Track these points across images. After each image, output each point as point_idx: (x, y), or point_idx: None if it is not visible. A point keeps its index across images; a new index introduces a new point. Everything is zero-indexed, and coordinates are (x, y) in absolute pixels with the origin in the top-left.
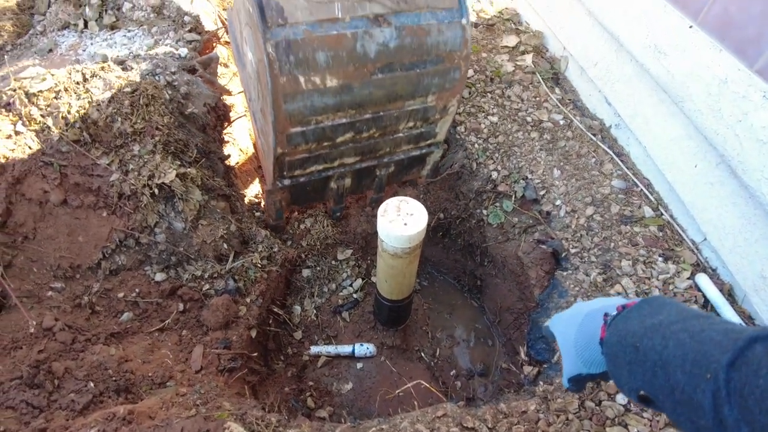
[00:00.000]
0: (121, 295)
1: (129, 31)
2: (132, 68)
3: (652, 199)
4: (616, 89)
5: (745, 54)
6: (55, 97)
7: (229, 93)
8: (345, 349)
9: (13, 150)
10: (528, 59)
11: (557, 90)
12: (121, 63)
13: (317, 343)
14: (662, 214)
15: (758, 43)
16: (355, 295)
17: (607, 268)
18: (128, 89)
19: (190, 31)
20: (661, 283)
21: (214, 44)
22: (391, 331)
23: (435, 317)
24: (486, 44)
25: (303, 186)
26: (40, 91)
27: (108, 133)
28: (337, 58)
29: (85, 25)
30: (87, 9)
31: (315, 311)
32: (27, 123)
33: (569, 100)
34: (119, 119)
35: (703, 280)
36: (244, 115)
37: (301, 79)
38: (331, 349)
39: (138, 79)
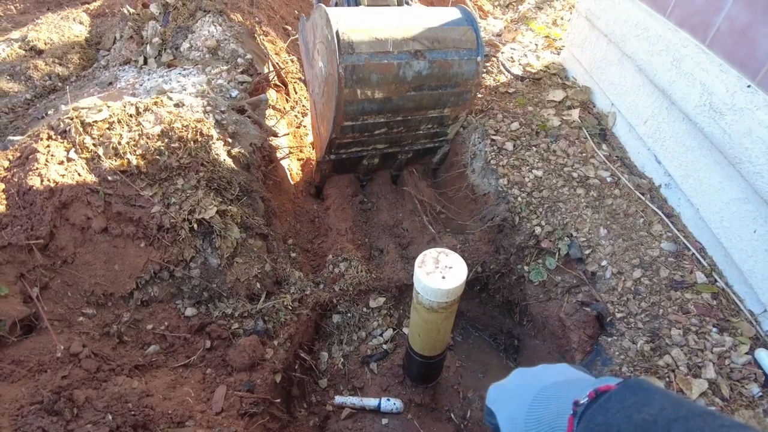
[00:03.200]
0: (150, 326)
1: (184, 69)
2: (184, 105)
3: (705, 265)
4: (666, 148)
5: None
6: (108, 128)
7: (275, 135)
8: (371, 402)
9: (63, 176)
10: (575, 114)
11: (604, 146)
12: (173, 98)
13: (342, 394)
14: (716, 280)
15: None
16: (384, 346)
17: (655, 336)
18: (178, 124)
19: (242, 72)
20: (716, 357)
21: (266, 86)
22: (420, 388)
23: (468, 376)
24: (532, 98)
25: (343, 161)
26: (95, 122)
27: (154, 165)
28: (384, 79)
29: (145, 62)
30: (148, 47)
31: (342, 359)
32: (80, 151)
33: (617, 156)
34: (166, 153)
35: (763, 355)
36: (288, 156)
37: (358, 91)
38: (357, 401)
39: (188, 116)
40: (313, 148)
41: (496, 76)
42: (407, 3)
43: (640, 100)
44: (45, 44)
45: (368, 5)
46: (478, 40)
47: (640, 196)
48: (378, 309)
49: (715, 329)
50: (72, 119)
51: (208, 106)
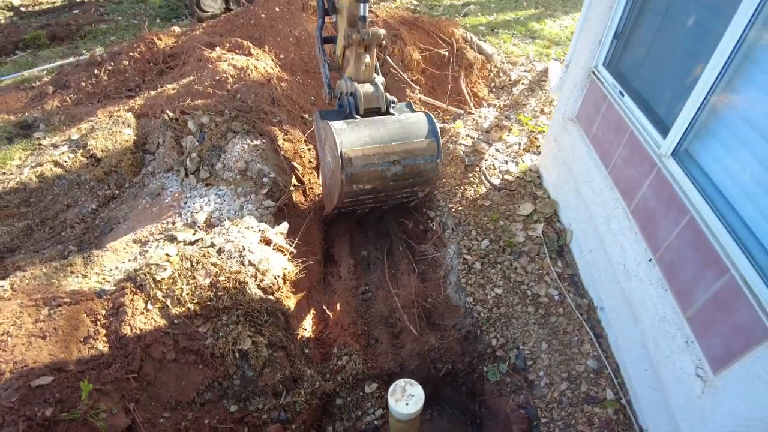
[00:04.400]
0: (206, 421)
1: (220, 189)
2: (224, 250)
3: (616, 384)
4: (601, 279)
5: (681, 299)
6: (173, 283)
7: (293, 262)
8: None
9: (145, 323)
10: (539, 229)
11: (559, 262)
12: (216, 244)
13: None
14: (621, 398)
15: (691, 294)
16: (376, 422)
17: None
18: (222, 277)
19: (266, 193)
20: None
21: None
22: None
23: None
24: (504, 210)
25: (343, 213)
26: (163, 279)
27: (206, 308)
28: (372, 179)
29: (186, 175)
30: (188, 161)
31: None
32: (153, 302)
33: (568, 274)
34: (214, 299)
35: None
36: (301, 278)
37: (354, 186)
38: None
39: (229, 266)
40: (321, 197)
41: (477, 187)
42: (393, 103)
43: (588, 233)
44: (102, 152)
45: (364, 108)
46: (438, 148)
47: (579, 316)
48: (372, 393)
49: None
50: (146, 275)
51: (243, 251)
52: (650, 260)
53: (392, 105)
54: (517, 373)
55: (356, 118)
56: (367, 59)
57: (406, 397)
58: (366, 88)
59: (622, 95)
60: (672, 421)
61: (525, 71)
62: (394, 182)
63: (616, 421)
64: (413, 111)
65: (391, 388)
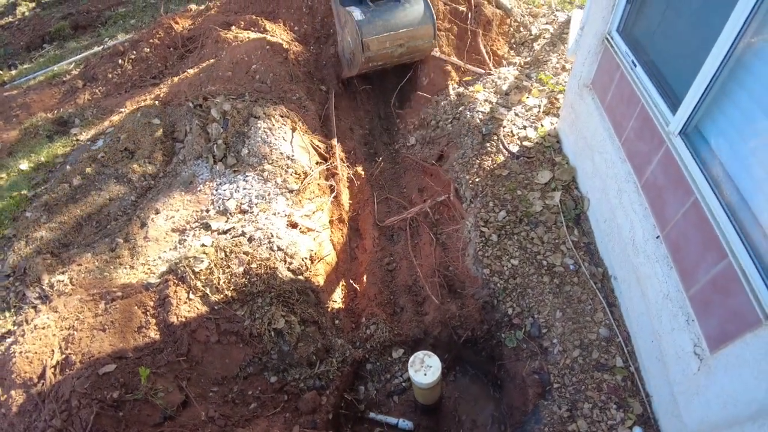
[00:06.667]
0: (250, 392)
1: (246, 175)
2: (254, 239)
3: (626, 351)
4: (615, 250)
5: (684, 278)
6: (210, 273)
7: (318, 238)
8: (392, 420)
9: (189, 311)
10: (557, 197)
11: (576, 231)
12: (246, 233)
13: (374, 413)
14: (630, 366)
15: (694, 274)
16: (403, 384)
17: (573, 407)
18: (254, 265)
19: (291, 175)
20: (607, 428)
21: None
22: (426, 414)
23: (463, 404)
24: (522, 179)
25: (359, 75)
26: (201, 270)
27: (242, 293)
28: (383, 57)
29: (215, 162)
30: (215, 148)
31: (374, 392)
32: (194, 292)
33: (584, 243)
34: (249, 285)
35: (637, 431)
36: (329, 255)
37: (370, 64)
38: (383, 418)
39: (259, 253)
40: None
41: (495, 156)
42: None
43: (602, 203)
44: (134, 144)
45: None
46: (434, 31)
47: (593, 285)
48: (399, 358)
49: (615, 406)
50: (185, 267)
51: (272, 237)
52: (657, 237)
53: None
54: (533, 340)
55: (369, 5)
56: None
57: (425, 368)
58: None
59: (635, 65)
60: (672, 392)
61: (546, 23)
62: (399, 58)
63: (624, 387)
64: None
65: (410, 360)
